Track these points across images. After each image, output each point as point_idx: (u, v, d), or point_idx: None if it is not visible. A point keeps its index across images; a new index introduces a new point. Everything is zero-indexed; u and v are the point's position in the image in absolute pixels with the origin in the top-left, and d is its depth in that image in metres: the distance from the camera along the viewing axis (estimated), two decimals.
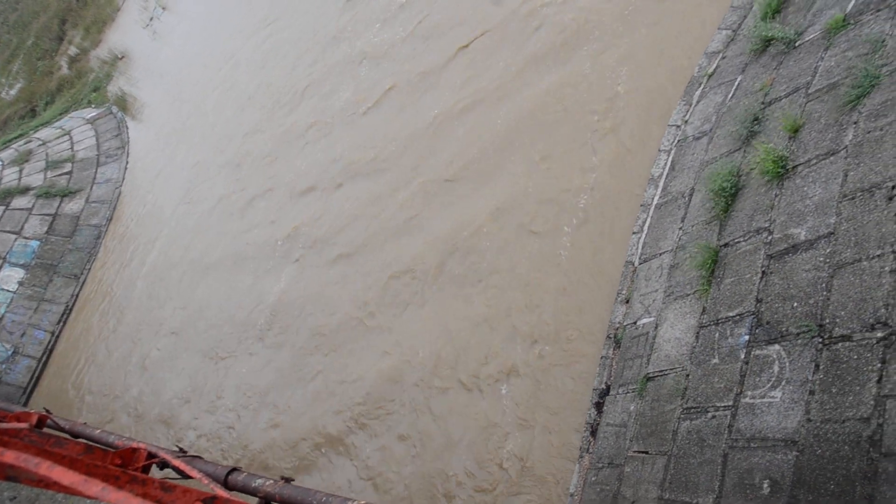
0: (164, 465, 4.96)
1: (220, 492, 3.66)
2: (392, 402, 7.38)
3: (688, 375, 4.89)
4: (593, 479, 5.26)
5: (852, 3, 5.69)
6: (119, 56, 19.26)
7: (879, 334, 3.90)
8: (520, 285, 7.02)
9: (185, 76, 16.94)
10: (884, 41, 5.13)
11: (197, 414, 9.65)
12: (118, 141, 16.17)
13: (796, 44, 5.84)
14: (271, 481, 3.65)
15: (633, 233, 6.29)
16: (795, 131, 5.24)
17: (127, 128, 16.55)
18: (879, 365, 3.82)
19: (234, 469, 3.91)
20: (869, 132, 4.75)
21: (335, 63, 12.60)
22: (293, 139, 12.10)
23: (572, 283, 6.65)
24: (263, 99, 13.76)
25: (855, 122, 4.89)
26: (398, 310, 8.04)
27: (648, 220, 6.15)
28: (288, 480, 3.62)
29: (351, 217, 9.70)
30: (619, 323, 5.83)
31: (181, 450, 5.41)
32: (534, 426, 6.17)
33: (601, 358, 5.81)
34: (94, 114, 17.48)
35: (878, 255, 4.18)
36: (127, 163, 15.53)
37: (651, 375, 5.15)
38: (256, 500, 3.90)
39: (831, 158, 4.86)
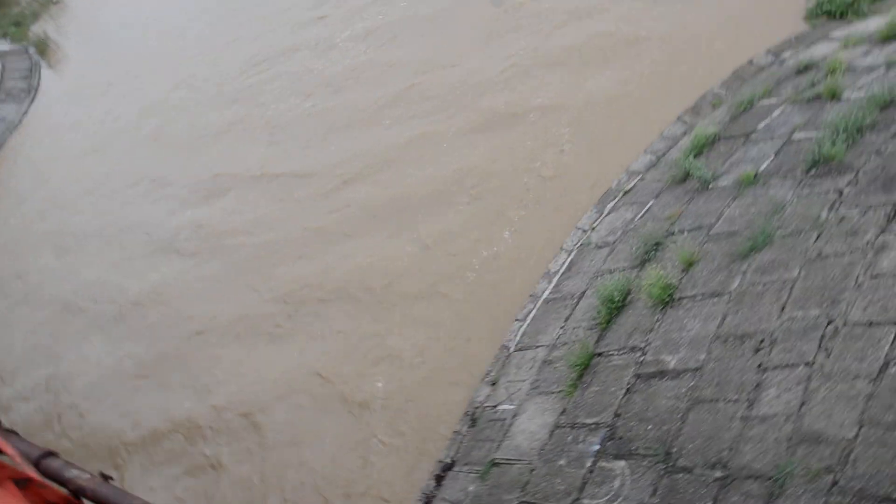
0: None
1: (35, 475, 3.36)
2: (256, 408, 7.03)
3: (532, 470, 4.90)
4: None
5: (765, 164, 6.09)
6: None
7: (718, 474, 4.04)
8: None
9: (122, 39, 16.29)
10: (784, 206, 5.49)
11: (34, 371, 8.91)
12: (26, 83, 15.27)
13: (710, 185, 6.17)
14: (88, 475, 3.36)
15: (517, 320, 6.35)
16: (689, 265, 5.49)
17: (40, 74, 15.66)
18: (710, 503, 3.94)
19: (49, 453, 3.59)
20: (753, 285, 5.03)
21: (287, 69, 12.48)
22: (220, 126, 11.85)
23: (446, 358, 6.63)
24: (201, 82, 13.41)
25: (743, 272, 5.17)
26: (284, 320, 7.78)
27: (534, 311, 6.24)
28: (106, 478, 3.35)
29: (262, 215, 9.46)
30: (479, 403, 5.81)
31: None
32: (392, 452, 6.03)
33: (454, 433, 5.76)
34: (6, 48, 16.51)
35: (734, 400, 4.36)
36: (29, 108, 14.65)
37: (498, 461, 5.14)
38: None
39: (715, 300, 5.10)
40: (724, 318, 4.93)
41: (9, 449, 3.40)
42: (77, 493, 3.29)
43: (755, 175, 5.95)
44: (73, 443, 7.58)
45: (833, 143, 5.68)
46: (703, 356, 4.77)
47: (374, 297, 7.44)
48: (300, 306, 7.77)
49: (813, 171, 5.65)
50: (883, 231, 4.75)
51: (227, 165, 10.76)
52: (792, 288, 4.80)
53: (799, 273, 4.87)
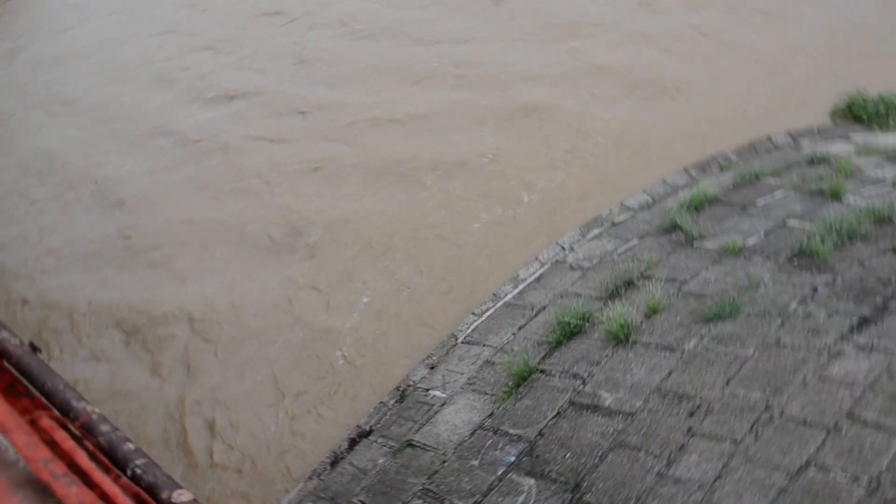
0: None
1: None
2: (229, 303, 7.04)
3: (444, 462, 4.94)
4: None
5: (753, 239, 6.16)
6: None
7: None
8: None
9: None
10: (758, 285, 5.56)
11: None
12: None
13: (695, 244, 6.23)
14: (17, 341, 3.28)
15: (472, 313, 6.38)
16: (653, 313, 5.54)
17: None
18: None
19: None
20: (706, 350, 5.10)
21: None
22: (253, 33, 11.98)
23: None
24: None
25: (701, 335, 5.24)
26: (281, 230, 7.75)
27: (492, 311, 6.27)
28: (35, 349, 3.28)
29: (276, 126, 9.47)
30: (413, 382, 5.84)
31: None
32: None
33: (380, 403, 5.78)
34: None
35: (656, 455, 4.43)
36: None
37: (414, 443, 5.17)
38: None
39: (666, 353, 5.16)
40: (669, 374, 5.00)
41: None
42: (1, 354, 3.22)
43: (741, 247, 6.02)
44: (37, 293, 7.53)
45: (822, 241, 5.76)
46: (639, 403, 4.83)
47: (372, 229, 7.52)
48: (299, 222, 7.76)
49: (795, 261, 5.73)
50: (843, 338, 4.84)
51: (248, 73, 10.72)
52: (742, 365, 4.88)
53: (753, 353, 4.95)
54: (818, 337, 4.94)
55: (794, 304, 5.29)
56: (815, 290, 5.41)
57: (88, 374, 6.58)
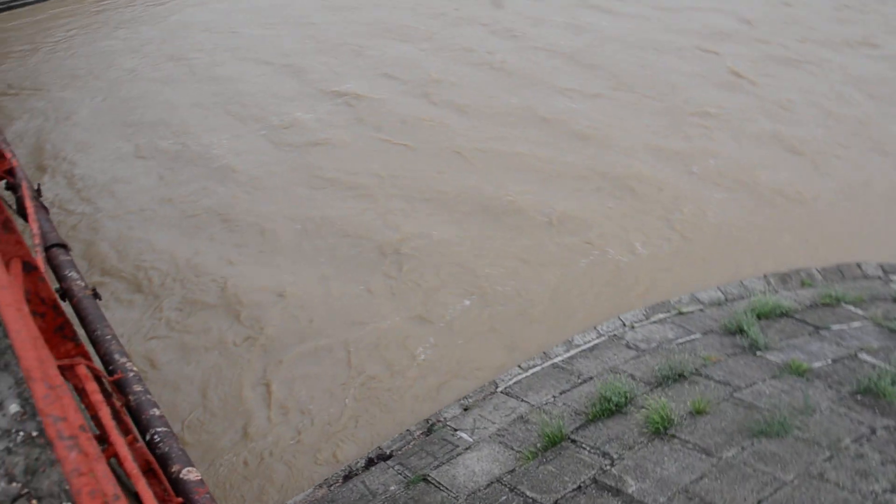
0: (10, 187, 4.57)
1: (42, 267, 3.41)
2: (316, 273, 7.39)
3: None
4: None
5: (819, 363, 5.94)
6: None
7: None
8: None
9: None
10: (814, 412, 5.34)
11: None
12: None
13: (758, 353, 6.04)
14: (83, 284, 3.42)
15: (518, 366, 6.33)
16: (698, 412, 5.38)
17: None
18: None
19: (61, 245, 3.65)
20: (745, 464, 4.91)
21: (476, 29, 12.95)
22: (390, 42, 12.73)
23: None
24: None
25: (742, 447, 5.05)
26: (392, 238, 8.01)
27: (538, 369, 6.20)
28: (96, 295, 3.41)
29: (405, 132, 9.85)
30: (444, 418, 5.81)
31: (38, 191, 5.02)
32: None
33: (406, 430, 5.77)
34: None
35: None
36: None
37: (429, 479, 5.13)
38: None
39: (703, 456, 4.99)
40: (701, 477, 4.83)
41: (34, 225, 3.45)
42: (64, 293, 3.35)
43: (805, 368, 5.81)
44: (146, 233, 8.04)
45: (893, 383, 5.50)
46: (662, 499, 4.68)
47: (475, 247, 7.82)
48: (405, 225, 8.08)
49: (859, 397, 5.49)
50: (894, 490, 4.59)
51: (379, 79, 11.26)
52: (779, 489, 4.68)
53: (793, 480, 4.74)
54: (867, 481, 4.70)
55: (847, 441, 5.05)
56: (873, 431, 5.16)
57: (182, 318, 6.92)
